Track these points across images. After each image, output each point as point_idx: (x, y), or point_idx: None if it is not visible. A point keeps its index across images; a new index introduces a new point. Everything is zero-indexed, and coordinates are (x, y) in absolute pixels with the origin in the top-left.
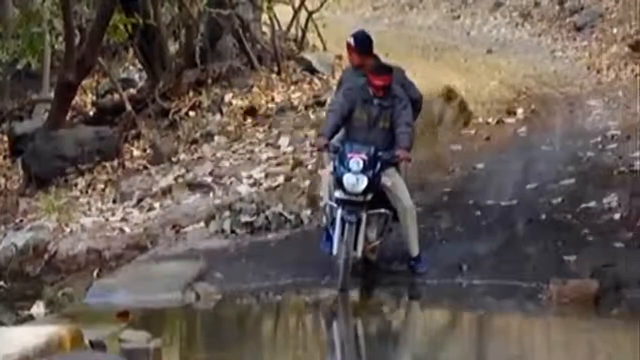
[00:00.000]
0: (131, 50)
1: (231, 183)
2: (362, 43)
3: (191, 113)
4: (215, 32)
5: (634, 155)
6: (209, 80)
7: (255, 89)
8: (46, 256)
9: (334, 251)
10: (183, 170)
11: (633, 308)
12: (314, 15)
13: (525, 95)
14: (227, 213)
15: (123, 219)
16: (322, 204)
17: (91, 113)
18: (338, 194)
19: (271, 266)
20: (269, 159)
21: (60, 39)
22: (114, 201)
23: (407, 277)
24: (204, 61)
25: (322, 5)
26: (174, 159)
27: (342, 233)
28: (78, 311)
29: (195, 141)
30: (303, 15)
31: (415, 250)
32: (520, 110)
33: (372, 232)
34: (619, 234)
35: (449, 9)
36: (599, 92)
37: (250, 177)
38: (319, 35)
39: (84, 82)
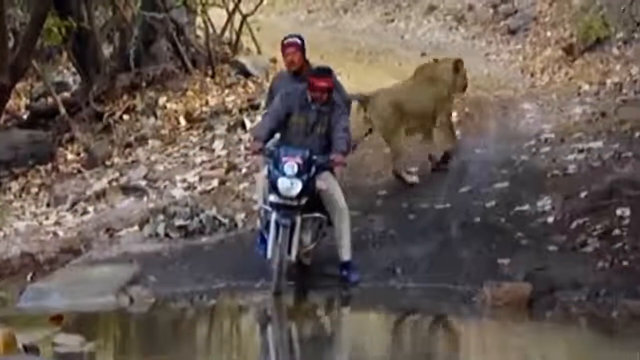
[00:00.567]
0: (65, 54)
1: (165, 187)
2: (304, 44)
3: (125, 117)
4: (149, 36)
5: (567, 158)
6: (143, 84)
7: (189, 93)
8: None
9: (269, 255)
10: (117, 174)
11: (566, 311)
12: (249, 19)
13: (459, 99)
14: (161, 217)
15: (57, 223)
16: (256, 207)
17: (25, 117)
18: (272, 197)
19: (205, 270)
20: (203, 162)
21: None
22: (48, 205)
23: (341, 281)
24: (138, 65)
25: (256, 8)
26: (108, 163)
27: (277, 237)
28: (11, 315)
29: (129, 145)
30: (237, 18)
31: (347, 255)
32: (453, 114)
33: (306, 236)
34: (552, 237)
35: (383, 12)
36: (533, 96)
37: (184, 180)
38: (253, 38)
39: (17, 86)
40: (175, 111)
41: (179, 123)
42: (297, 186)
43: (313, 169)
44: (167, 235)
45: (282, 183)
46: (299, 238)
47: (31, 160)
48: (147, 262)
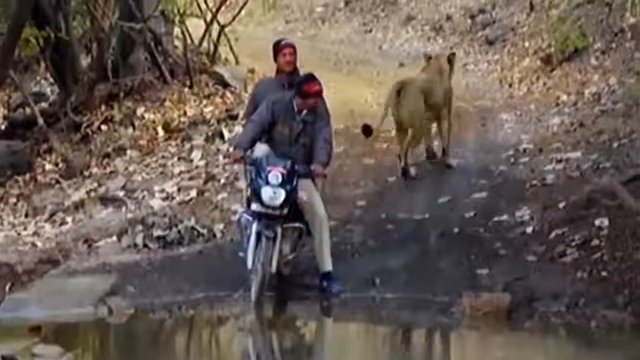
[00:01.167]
0: (43, 64)
1: (144, 197)
2: (296, 50)
3: (103, 127)
4: (127, 46)
5: (546, 168)
6: (121, 94)
7: (167, 103)
8: None
9: (249, 265)
10: (95, 185)
11: (545, 321)
12: (227, 29)
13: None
14: (139, 227)
15: (35, 233)
16: (237, 216)
17: (3, 127)
18: (255, 206)
19: (184, 280)
20: (181, 172)
21: None
22: (26, 215)
23: (321, 292)
24: (116, 75)
25: (234, 19)
26: (86, 173)
27: (256, 246)
28: None
29: (107, 155)
30: (215, 29)
31: (328, 265)
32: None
33: (286, 245)
34: (531, 247)
35: (361, 22)
36: (511, 106)
37: (162, 191)
38: (231, 49)
39: None
40: (153, 121)
41: (157, 133)
42: (281, 196)
43: (295, 179)
44: (145, 245)
45: (266, 192)
46: (279, 248)
47: (9, 171)
48: (125, 272)
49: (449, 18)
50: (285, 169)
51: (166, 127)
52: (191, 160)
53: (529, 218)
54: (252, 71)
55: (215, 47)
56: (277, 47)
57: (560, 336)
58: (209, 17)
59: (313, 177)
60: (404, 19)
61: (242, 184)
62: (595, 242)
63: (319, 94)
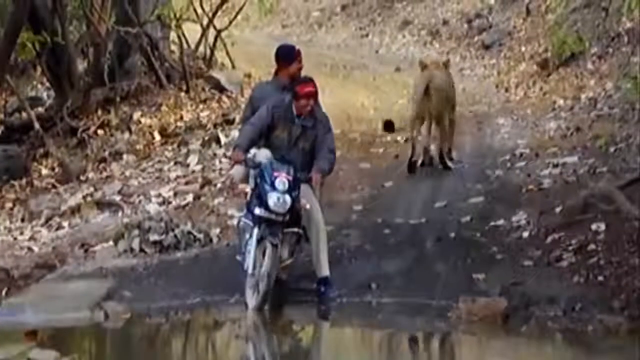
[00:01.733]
0: (39, 69)
1: (140, 202)
2: None
3: (100, 131)
4: (123, 51)
5: (542, 173)
6: (118, 99)
7: (164, 108)
8: None
9: (249, 269)
10: (92, 189)
11: (542, 326)
12: (223, 34)
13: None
14: (136, 232)
15: (32, 238)
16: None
17: None
18: (259, 211)
19: (180, 285)
20: (177, 177)
21: None
22: (23, 220)
23: (318, 296)
24: (113, 79)
25: (230, 23)
26: (82, 178)
27: (256, 249)
28: None
29: (104, 160)
30: (211, 33)
31: (325, 270)
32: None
33: (284, 250)
34: (527, 252)
35: (357, 27)
36: (508, 111)
37: (159, 195)
38: (228, 53)
39: None
40: (150, 126)
41: (153, 138)
42: (287, 202)
43: (299, 186)
44: (142, 250)
45: (273, 198)
46: (279, 254)
47: (5, 175)
48: (122, 277)
49: (445, 23)
50: (290, 175)
51: (162, 131)
52: (187, 165)
53: (525, 223)
54: (248, 76)
55: (212, 51)
56: (292, 54)
57: (556, 341)
58: (205, 21)
59: (311, 183)
60: (401, 23)
61: (243, 186)
62: (592, 246)
63: (310, 95)
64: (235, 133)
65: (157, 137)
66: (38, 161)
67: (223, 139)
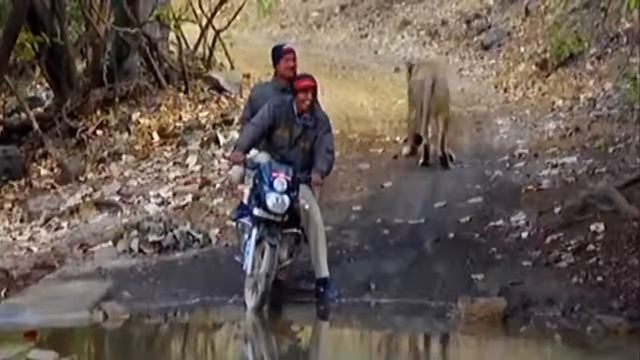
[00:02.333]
0: (38, 69)
1: (139, 202)
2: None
3: (99, 132)
4: (122, 51)
5: (541, 173)
6: (117, 99)
7: (163, 108)
8: None
9: (248, 270)
10: (91, 190)
11: (541, 326)
12: (222, 34)
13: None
14: (135, 232)
15: (31, 239)
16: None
17: None
18: (257, 212)
19: (179, 285)
20: (176, 178)
21: None
22: (22, 220)
23: (317, 297)
24: (112, 80)
25: (229, 24)
26: (81, 178)
27: (255, 250)
28: None
29: (102, 160)
30: (210, 34)
31: (324, 271)
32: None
33: (283, 251)
34: (526, 252)
35: (356, 27)
36: (507, 111)
37: (158, 196)
38: (227, 54)
39: None
40: (149, 126)
41: (152, 138)
42: (285, 203)
43: (297, 187)
44: (141, 250)
45: (272, 198)
46: (277, 254)
47: (4, 176)
48: (121, 277)
49: (444, 23)
50: (288, 175)
51: (161, 132)
52: (186, 165)
53: (524, 223)
54: (247, 76)
55: (211, 52)
56: (280, 52)
57: (555, 341)
58: (204, 22)
59: (310, 183)
60: (400, 23)
61: (242, 187)
62: (591, 247)
63: (308, 88)
64: (234, 133)
65: (156, 137)
66: (37, 162)
67: (222, 140)
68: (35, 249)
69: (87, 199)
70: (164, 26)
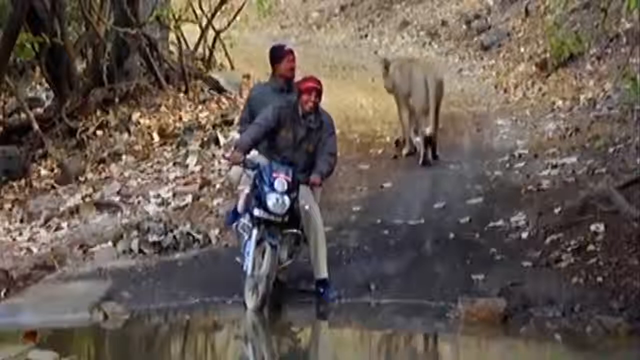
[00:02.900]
0: (38, 70)
1: (139, 202)
2: None
3: (99, 132)
4: (122, 51)
5: (541, 174)
6: (117, 100)
7: (163, 108)
8: None
9: (249, 271)
10: (91, 190)
11: (541, 327)
12: (222, 35)
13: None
14: (135, 232)
15: (30, 239)
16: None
17: None
18: (258, 212)
19: (179, 286)
20: (176, 178)
21: None
22: (22, 221)
23: (316, 297)
24: (112, 80)
25: (229, 24)
26: (81, 179)
27: (257, 252)
28: None
29: (102, 160)
30: (210, 34)
31: (324, 272)
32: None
33: (283, 252)
34: (526, 252)
35: (356, 28)
36: (507, 111)
37: (158, 196)
38: (227, 54)
39: None
40: (149, 127)
41: (152, 139)
42: (286, 204)
43: (298, 187)
44: (141, 251)
45: (272, 199)
46: (278, 255)
47: (4, 176)
48: (121, 278)
49: (444, 23)
50: (289, 176)
51: (161, 132)
52: (186, 166)
53: (524, 223)
54: (247, 76)
55: (211, 52)
56: (281, 53)
57: (555, 341)
58: (204, 22)
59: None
60: (400, 24)
61: (242, 187)
62: (591, 247)
63: (312, 90)
64: (234, 134)
65: (156, 137)
66: (37, 162)
67: (222, 140)
68: (35, 250)
69: (87, 199)
70: (164, 27)
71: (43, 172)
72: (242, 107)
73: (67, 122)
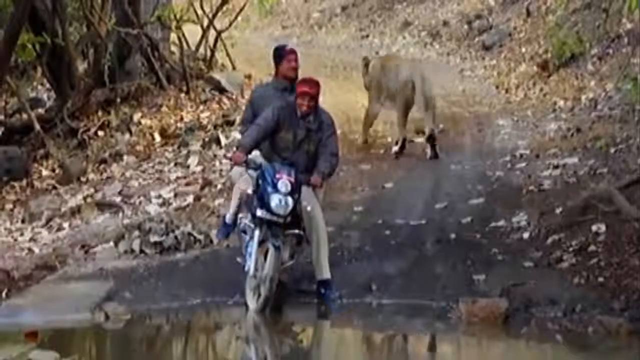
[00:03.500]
0: (40, 70)
1: (140, 203)
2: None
3: (100, 133)
4: (123, 52)
5: (542, 174)
6: (118, 100)
7: (164, 109)
8: None
9: (251, 271)
10: (92, 190)
11: (542, 327)
12: (223, 35)
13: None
14: (136, 233)
15: (32, 239)
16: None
17: None
18: (261, 213)
19: (181, 286)
20: (178, 178)
21: None
22: (23, 221)
23: (319, 298)
24: (113, 80)
25: (230, 24)
26: (83, 179)
27: (259, 253)
28: None
29: (104, 161)
30: (212, 34)
31: (326, 273)
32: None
33: (285, 252)
34: (528, 253)
35: (357, 28)
36: (508, 112)
37: (159, 196)
38: (228, 54)
39: None
40: (150, 127)
41: (153, 139)
42: (289, 204)
43: (300, 188)
44: (142, 251)
45: (275, 200)
46: (281, 256)
47: (6, 177)
48: (122, 278)
49: (445, 24)
50: (292, 177)
51: (163, 132)
52: (188, 166)
53: (525, 224)
54: (248, 77)
55: (212, 52)
56: (282, 53)
57: (556, 342)
58: (205, 23)
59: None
60: (401, 24)
61: (244, 187)
62: (592, 247)
63: (304, 95)
64: (235, 134)
65: (158, 138)
66: (38, 162)
67: (223, 140)
68: (36, 250)
69: (89, 199)
70: (165, 27)
71: (44, 172)
72: (243, 107)
73: (69, 123)
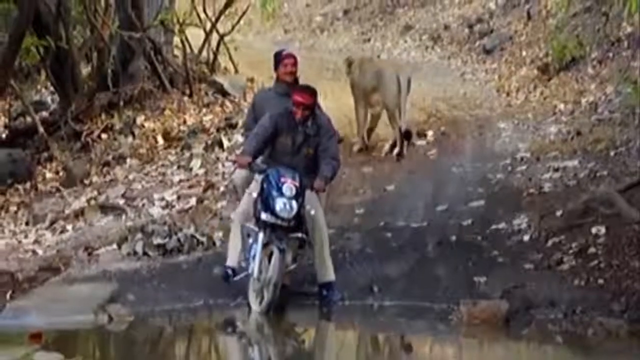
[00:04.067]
0: (43, 73)
1: (143, 205)
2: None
3: (103, 135)
4: (127, 55)
5: (543, 177)
6: (121, 103)
7: (167, 112)
8: None
9: (255, 274)
10: (95, 193)
11: (543, 329)
12: (226, 38)
13: (435, 118)
14: (139, 235)
15: (36, 241)
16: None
17: (3, 135)
18: (265, 216)
19: (183, 288)
20: (181, 181)
21: None
22: (27, 223)
23: (321, 300)
24: (116, 84)
25: (233, 28)
26: (86, 182)
27: (263, 255)
28: None
29: (107, 163)
30: (215, 38)
31: (330, 275)
32: (430, 133)
33: (288, 256)
34: (528, 255)
35: (359, 32)
36: (509, 115)
37: (162, 199)
38: (231, 58)
39: None
40: (153, 130)
41: (156, 142)
42: (294, 208)
43: (304, 193)
44: (145, 253)
45: (280, 203)
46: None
47: (10, 179)
48: (125, 280)
49: (446, 27)
50: (296, 181)
51: (166, 135)
52: (191, 169)
53: (526, 226)
54: (251, 80)
55: (215, 56)
56: (279, 57)
57: (557, 343)
58: (208, 26)
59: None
60: (402, 28)
61: (249, 190)
62: (592, 250)
63: (299, 104)
64: (238, 137)
65: (161, 141)
66: (42, 165)
67: (226, 143)
68: (40, 252)
69: (92, 202)
70: (168, 30)
71: (48, 175)
72: (246, 110)
73: (72, 126)
